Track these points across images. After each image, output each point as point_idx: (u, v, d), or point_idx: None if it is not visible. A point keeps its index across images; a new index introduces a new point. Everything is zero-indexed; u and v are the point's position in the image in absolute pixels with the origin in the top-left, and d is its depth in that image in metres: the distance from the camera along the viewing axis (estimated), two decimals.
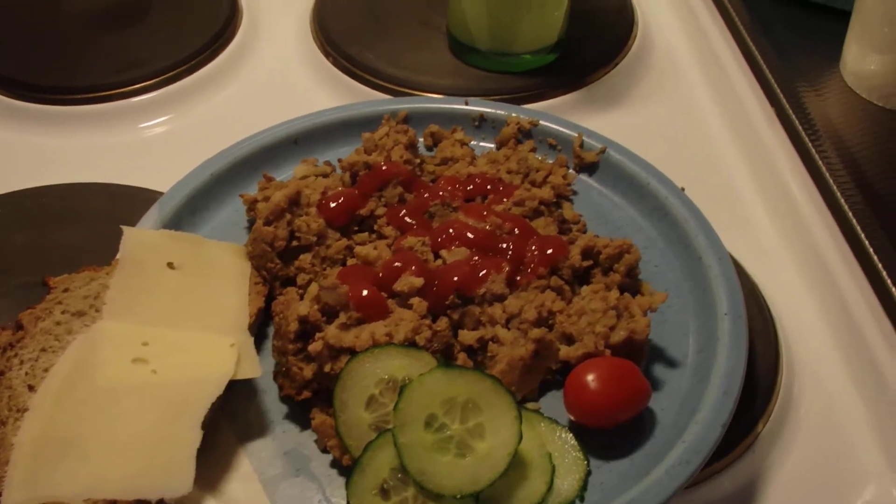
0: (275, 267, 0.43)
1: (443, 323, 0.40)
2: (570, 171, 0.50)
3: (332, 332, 0.38)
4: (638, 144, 0.54)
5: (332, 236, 0.45)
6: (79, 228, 0.50)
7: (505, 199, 0.46)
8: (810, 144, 0.52)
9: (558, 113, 0.58)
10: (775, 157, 0.54)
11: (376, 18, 0.65)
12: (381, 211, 0.46)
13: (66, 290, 0.40)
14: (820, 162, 0.51)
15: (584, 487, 0.35)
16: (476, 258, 0.42)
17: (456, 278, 0.41)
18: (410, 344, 0.38)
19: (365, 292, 0.40)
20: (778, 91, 0.56)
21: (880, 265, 0.45)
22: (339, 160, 0.49)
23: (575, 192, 0.49)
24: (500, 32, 0.58)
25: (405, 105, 0.53)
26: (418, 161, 0.49)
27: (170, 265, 0.42)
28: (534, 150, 0.52)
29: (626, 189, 0.48)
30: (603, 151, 0.50)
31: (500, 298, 0.41)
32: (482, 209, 0.45)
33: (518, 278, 0.42)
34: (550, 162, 0.51)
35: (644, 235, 0.46)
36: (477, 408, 0.35)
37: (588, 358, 0.38)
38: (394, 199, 0.46)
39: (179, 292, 0.41)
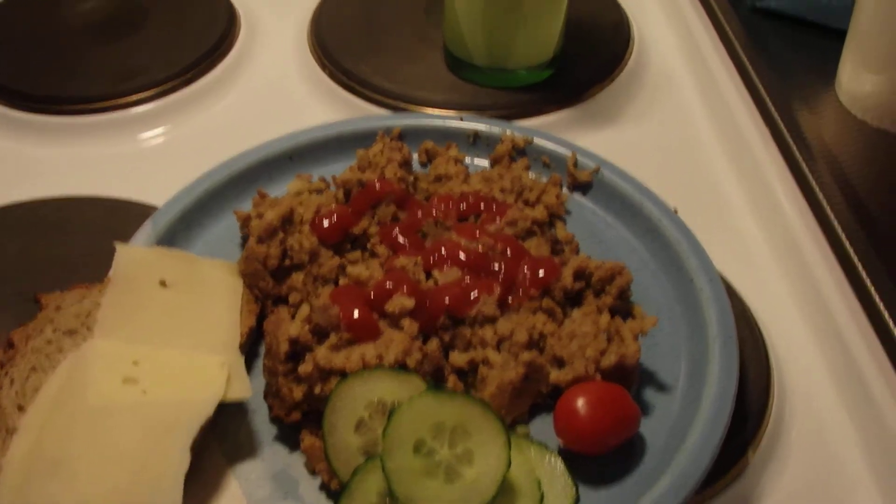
0: (267, 285, 0.43)
1: (433, 344, 0.40)
2: (564, 190, 0.50)
3: (322, 353, 0.38)
4: (632, 161, 0.54)
5: (325, 255, 0.45)
6: (73, 242, 0.50)
7: (498, 219, 0.46)
8: (804, 165, 0.52)
9: (554, 129, 0.58)
10: (769, 176, 0.54)
11: (373, 31, 0.65)
12: (373, 229, 0.46)
13: (57, 308, 0.40)
14: (814, 183, 0.51)
15: None
16: (468, 279, 0.42)
17: (447, 300, 0.41)
18: (401, 366, 0.38)
19: (356, 313, 0.40)
20: (773, 110, 0.56)
21: (872, 288, 0.45)
22: (334, 177, 0.49)
23: (568, 212, 0.49)
24: (497, 48, 0.58)
25: (400, 121, 0.53)
26: (412, 178, 0.49)
27: (162, 283, 0.42)
28: (528, 167, 0.52)
29: (620, 209, 0.48)
30: (597, 171, 0.50)
31: (491, 320, 0.41)
32: (475, 229, 0.45)
33: (510, 300, 0.42)
34: (544, 180, 0.51)
35: (637, 256, 0.46)
36: (466, 433, 0.35)
37: (578, 382, 0.38)
38: (387, 218, 0.46)
39: (171, 310, 0.41)
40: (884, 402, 0.42)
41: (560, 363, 0.39)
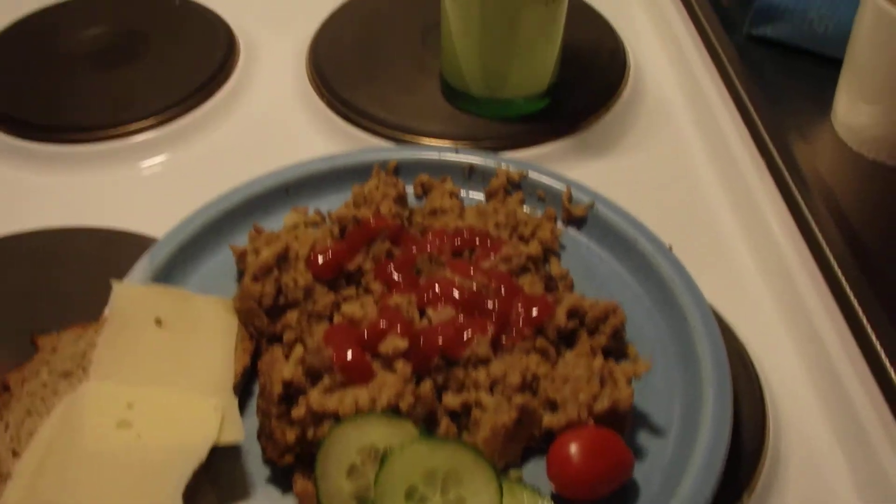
0: (262, 323, 0.44)
1: (427, 386, 0.40)
2: (559, 224, 0.50)
3: (315, 397, 0.38)
4: (628, 192, 0.54)
5: (320, 291, 0.45)
6: (70, 275, 0.51)
7: (492, 255, 0.46)
8: (800, 197, 0.52)
9: (550, 160, 0.58)
10: (764, 208, 0.54)
11: (370, 59, 0.66)
12: (368, 266, 0.46)
13: (53, 350, 0.40)
14: (809, 216, 0.51)
15: None
16: (461, 318, 0.42)
17: (441, 340, 0.41)
18: (394, 409, 0.38)
19: (349, 355, 0.40)
20: (768, 140, 0.56)
21: (867, 325, 0.45)
22: (329, 213, 0.49)
23: (563, 247, 0.50)
24: (493, 79, 0.58)
25: (395, 154, 0.54)
26: (407, 213, 0.50)
27: (157, 321, 0.42)
28: (522, 201, 0.52)
29: (614, 244, 0.48)
30: (591, 206, 0.50)
31: (485, 361, 0.41)
32: (469, 266, 0.45)
33: (503, 339, 0.42)
34: (539, 214, 0.51)
35: (631, 293, 0.46)
36: (458, 480, 0.35)
37: (571, 426, 0.38)
38: (382, 254, 0.46)
39: (166, 350, 0.41)
40: (879, 442, 0.42)
41: (553, 406, 0.39)
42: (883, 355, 0.44)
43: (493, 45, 0.56)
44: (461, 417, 0.40)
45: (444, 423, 0.40)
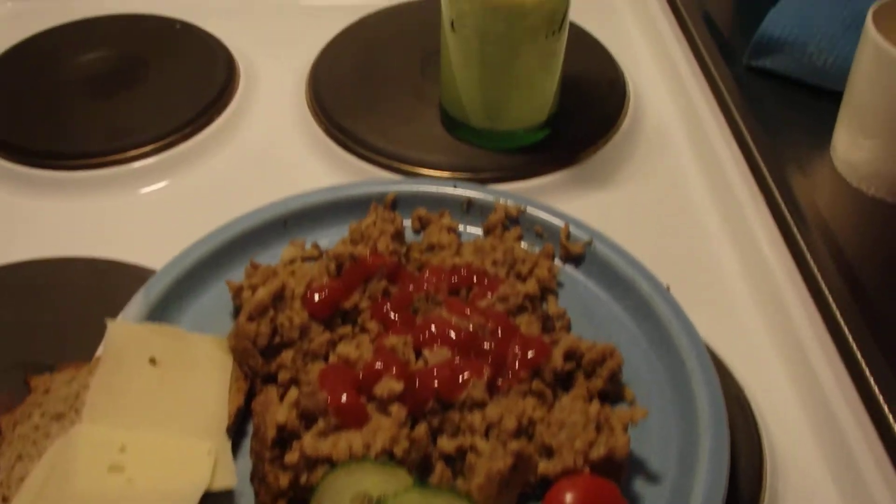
0: (256, 363, 0.43)
1: (421, 430, 0.40)
2: (557, 261, 0.50)
3: (309, 441, 0.38)
4: (626, 226, 0.54)
5: (316, 330, 0.45)
6: (65, 307, 0.50)
7: (489, 294, 0.46)
8: (798, 235, 0.52)
9: (549, 191, 0.58)
10: (762, 245, 0.53)
11: (370, 86, 0.66)
12: (365, 304, 0.46)
13: (46, 391, 0.40)
14: (807, 253, 0.51)
15: None
16: (457, 359, 0.42)
17: (436, 383, 0.41)
18: (388, 454, 0.38)
19: (344, 398, 0.40)
20: (767, 174, 0.56)
21: (865, 368, 0.45)
22: (326, 252, 0.49)
23: (560, 284, 0.49)
24: (493, 110, 0.58)
25: (394, 187, 0.53)
26: (404, 249, 0.49)
27: (152, 360, 0.42)
28: (520, 237, 0.52)
29: (612, 284, 0.48)
30: (589, 243, 0.50)
31: (480, 405, 0.41)
32: (465, 305, 0.45)
33: (499, 381, 0.42)
34: (537, 250, 0.51)
35: (628, 334, 0.46)
36: None
37: (567, 474, 0.38)
38: (378, 293, 0.46)
39: (160, 391, 0.41)
40: (875, 484, 0.42)
41: (549, 452, 0.39)
42: (880, 397, 0.44)
43: (494, 78, 0.56)
44: (456, 462, 0.40)
45: (439, 468, 0.39)
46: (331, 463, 0.38)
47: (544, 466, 0.39)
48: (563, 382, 0.43)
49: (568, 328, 0.47)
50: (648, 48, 0.72)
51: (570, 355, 0.43)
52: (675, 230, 0.57)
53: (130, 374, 0.41)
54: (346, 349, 0.43)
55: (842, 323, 0.47)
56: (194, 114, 0.64)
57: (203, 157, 0.63)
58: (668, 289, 0.47)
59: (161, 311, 0.47)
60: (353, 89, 0.65)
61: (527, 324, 0.45)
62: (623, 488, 0.39)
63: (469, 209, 0.53)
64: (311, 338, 0.44)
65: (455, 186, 0.53)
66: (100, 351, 0.43)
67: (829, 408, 0.45)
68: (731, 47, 0.66)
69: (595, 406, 0.40)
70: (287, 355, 0.43)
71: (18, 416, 0.39)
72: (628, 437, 0.39)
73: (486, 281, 0.47)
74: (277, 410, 0.40)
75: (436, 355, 0.42)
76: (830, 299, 0.48)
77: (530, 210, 0.52)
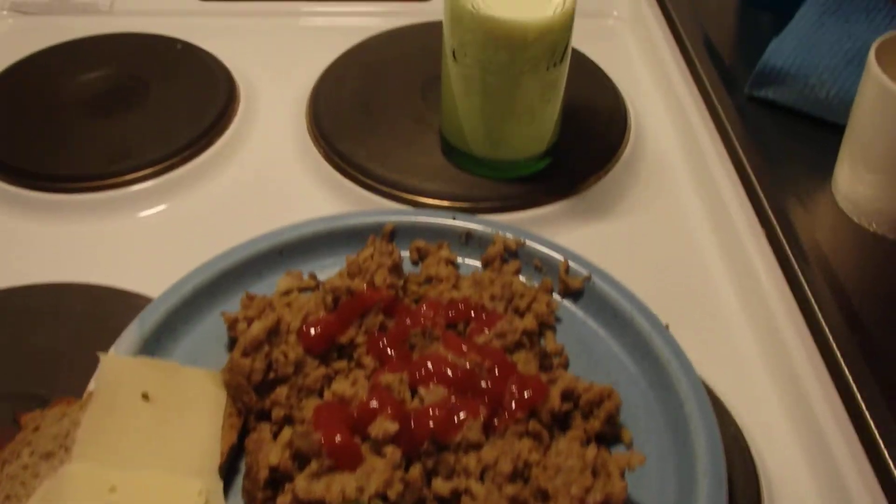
0: (250, 400, 0.43)
1: (416, 471, 0.39)
2: (555, 296, 0.50)
3: (301, 484, 0.38)
4: (625, 258, 0.54)
5: (311, 365, 0.44)
6: (60, 336, 0.50)
7: (486, 329, 0.46)
8: (799, 271, 0.51)
9: (548, 222, 0.58)
10: (763, 281, 0.53)
11: (370, 112, 0.65)
12: (361, 339, 0.45)
13: (36, 429, 0.39)
14: (808, 291, 0.50)
15: None
16: (453, 399, 0.42)
17: (432, 424, 0.40)
18: (382, 497, 0.38)
19: (338, 438, 0.39)
20: (768, 209, 0.56)
21: (866, 410, 0.45)
22: (323, 284, 0.49)
23: (559, 319, 0.49)
24: (494, 140, 0.58)
25: (392, 218, 0.53)
26: (402, 282, 0.49)
27: (144, 396, 0.42)
28: (519, 270, 0.51)
29: (610, 320, 0.48)
30: (588, 279, 0.49)
31: (476, 447, 0.40)
32: (462, 342, 0.44)
33: (495, 421, 0.41)
34: (536, 284, 0.50)
35: (626, 373, 0.46)
36: None
37: None
38: (374, 328, 0.46)
39: (152, 428, 0.41)
40: None
41: (545, 497, 0.39)
42: (881, 442, 0.43)
43: (495, 108, 0.56)
44: None
45: None
46: None
47: None
48: (561, 423, 0.43)
49: (566, 366, 0.47)
50: (650, 75, 0.72)
51: (567, 396, 0.42)
52: (675, 264, 0.56)
53: (122, 411, 0.41)
54: (341, 386, 0.42)
55: (841, 362, 0.47)
56: (194, 136, 0.63)
57: (202, 180, 0.62)
58: (667, 327, 0.46)
59: (155, 342, 0.46)
60: (353, 113, 0.65)
61: (524, 361, 0.44)
62: None
63: (468, 241, 0.53)
64: (306, 373, 0.44)
65: (454, 218, 0.53)
66: (92, 385, 0.43)
67: (827, 448, 0.45)
68: (732, 76, 0.66)
69: (592, 450, 0.40)
70: (281, 391, 0.43)
71: (7, 454, 0.38)
72: (625, 483, 0.38)
73: (483, 316, 0.47)
74: (270, 450, 0.39)
75: (432, 394, 0.42)
76: (831, 338, 0.48)
77: (529, 243, 0.51)
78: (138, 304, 0.49)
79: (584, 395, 0.42)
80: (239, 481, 0.42)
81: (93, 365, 0.44)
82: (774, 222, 0.55)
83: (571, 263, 0.50)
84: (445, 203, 0.58)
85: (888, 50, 0.53)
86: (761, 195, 0.57)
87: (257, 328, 0.43)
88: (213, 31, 0.75)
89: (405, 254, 0.52)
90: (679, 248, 0.57)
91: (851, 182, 0.55)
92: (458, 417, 0.41)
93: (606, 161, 0.62)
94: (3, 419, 0.42)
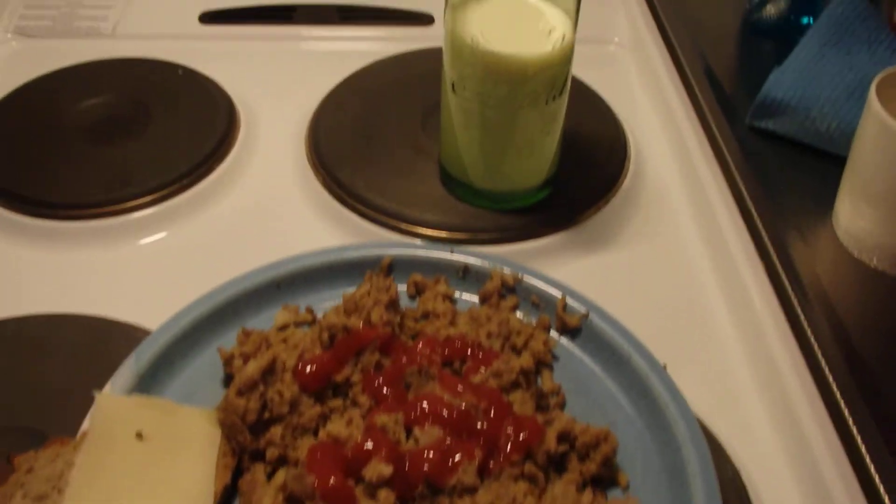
0: (245, 439, 0.43)
1: None
2: (553, 333, 0.50)
3: None
4: (624, 291, 0.54)
5: (306, 403, 0.44)
6: (56, 368, 0.50)
7: (483, 368, 0.46)
8: (798, 308, 0.51)
9: (547, 253, 0.58)
10: (761, 316, 0.52)
11: (369, 140, 0.65)
12: (356, 377, 0.45)
13: (29, 470, 0.39)
14: (807, 329, 0.50)
15: None
16: (448, 440, 0.41)
17: (426, 467, 0.40)
18: None
19: (332, 481, 0.39)
20: (767, 243, 0.55)
21: (865, 453, 0.44)
22: (320, 321, 0.48)
23: (556, 357, 0.49)
24: (494, 171, 0.58)
25: (389, 251, 0.53)
26: (398, 319, 0.49)
27: (139, 435, 0.42)
28: (516, 306, 0.51)
29: (608, 359, 0.47)
30: (586, 316, 0.49)
31: (471, 490, 0.40)
32: (458, 382, 0.44)
33: (491, 463, 0.41)
34: (533, 320, 0.50)
35: (623, 413, 0.45)
36: None
37: None
38: (370, 366, 0.46)
39: (145, 468, 0.40)
40: None
41: None
42: (880, 487, 0.43)
43: (494, 140, 0.56)
44: None
45: None
46: None
47: None
48: (557, 465, 0.42)
49: (562, 405, 0.46)
50: (650, 103, 0.72)
51: (563, 438, 0.42)
52: (673, 297, 0.56)
53: (116, 451, 0.41)
54: (335, 427, 0.42)
55: (840, 402, 0.46)
56: (194, 163, 0.63)
57: (202, 207, 0.62)
58: (664, 367, 0.46)
59: (151, 378, 0.46)
60: (353, 141, 0.65)
61: (521, 401, 0.44)
62: None
63: (465, 275, 0.52)
64: (301, 412, 0.44)
65: (452, 251, 0.53)
66: (86, 424, 0.43)
67: (825, 490, 0.44)
68: (733, 105, 0.66)
69: (588, 496, 0.39)
70: (276, 431, 0.43)
71: (0, 497, 0.38)
72: None
73: (480, 354, 0.46)
74: (264, 493, 0.39)
75: (427, 435, 0.42)
76: (830, 377, 0.47)
77: (527, 279, 0.51)
78: (136, 337, 0.49)
79: (581, 437, 0.42)
80: None
81: (88, 400, 0.44)
82: (774, 256, 0.55)
83: (569, 300, 0.50)
84: (444, 234, 0.58)
85: (889, 85, 0.52)
86: (761, 228, 0.57)
87: (252, 368, 0.43)
88: (215, 54, 0.75)
89: (402, 287, 0.52)
90: (677, 281, 0.57)
91: (852, 216, 0.55)
92: (454, 460, 0.40)
93: (606, 192, 0.62)
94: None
